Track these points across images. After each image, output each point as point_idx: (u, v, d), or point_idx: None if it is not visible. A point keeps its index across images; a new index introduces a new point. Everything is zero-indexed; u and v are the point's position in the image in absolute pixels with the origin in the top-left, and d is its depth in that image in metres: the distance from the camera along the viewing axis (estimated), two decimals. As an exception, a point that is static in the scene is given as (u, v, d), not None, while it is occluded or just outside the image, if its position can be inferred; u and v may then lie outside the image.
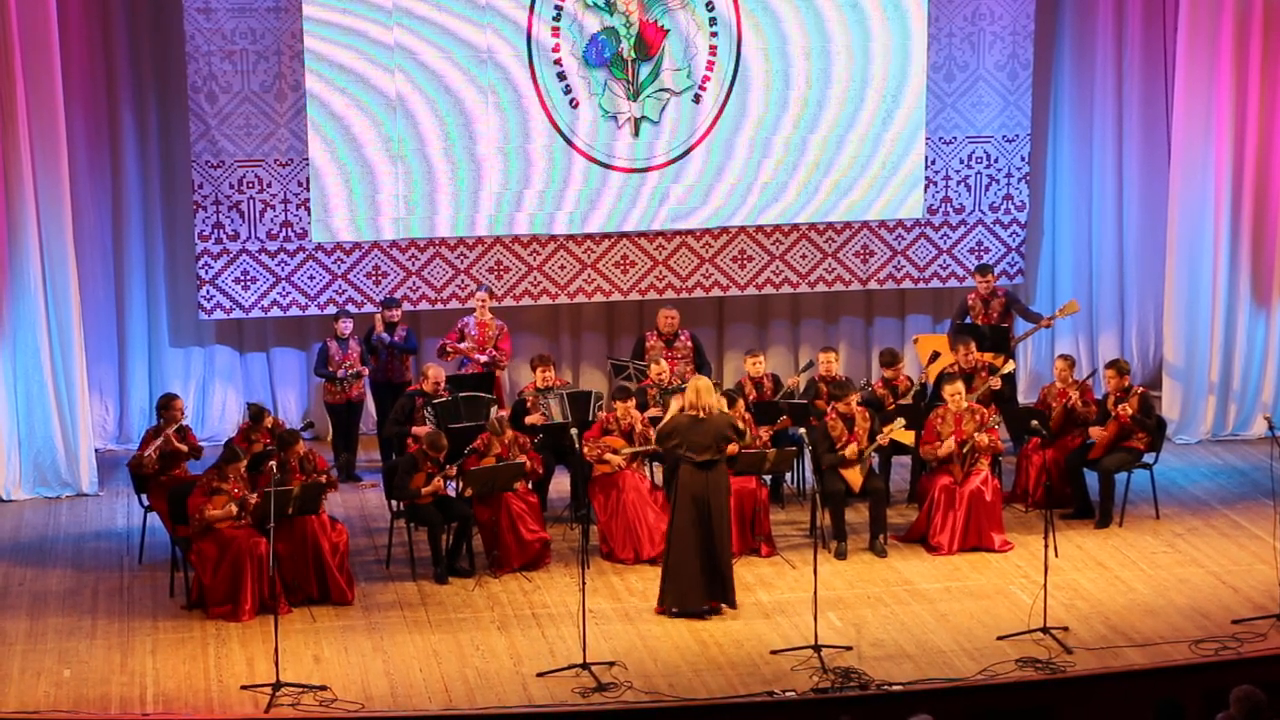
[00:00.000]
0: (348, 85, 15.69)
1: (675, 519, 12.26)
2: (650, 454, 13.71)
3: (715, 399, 12.43)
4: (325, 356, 15.24)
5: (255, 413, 13.60)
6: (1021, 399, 16.44)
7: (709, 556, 12.17)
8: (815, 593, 11.80)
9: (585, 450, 13.45)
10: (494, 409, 14.18)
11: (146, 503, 13.38)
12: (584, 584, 11.73)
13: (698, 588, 12.20)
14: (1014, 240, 17.12)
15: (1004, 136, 16.90)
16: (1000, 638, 11.82)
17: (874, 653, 11.65)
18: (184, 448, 13.33)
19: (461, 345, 15.31)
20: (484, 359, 15.21)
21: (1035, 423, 13.98)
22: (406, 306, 15.88)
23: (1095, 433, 14.09)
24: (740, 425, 12.76)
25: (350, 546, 12.84)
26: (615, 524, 13.36)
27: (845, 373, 16.03)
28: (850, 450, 13.46)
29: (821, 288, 16.99)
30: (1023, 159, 16.97)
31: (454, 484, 13.22)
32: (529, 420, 14.20)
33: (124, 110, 15.74)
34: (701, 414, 12.18)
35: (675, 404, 12.64)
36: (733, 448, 12.83)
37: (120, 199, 15.88)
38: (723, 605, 12.28)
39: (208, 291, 15.90)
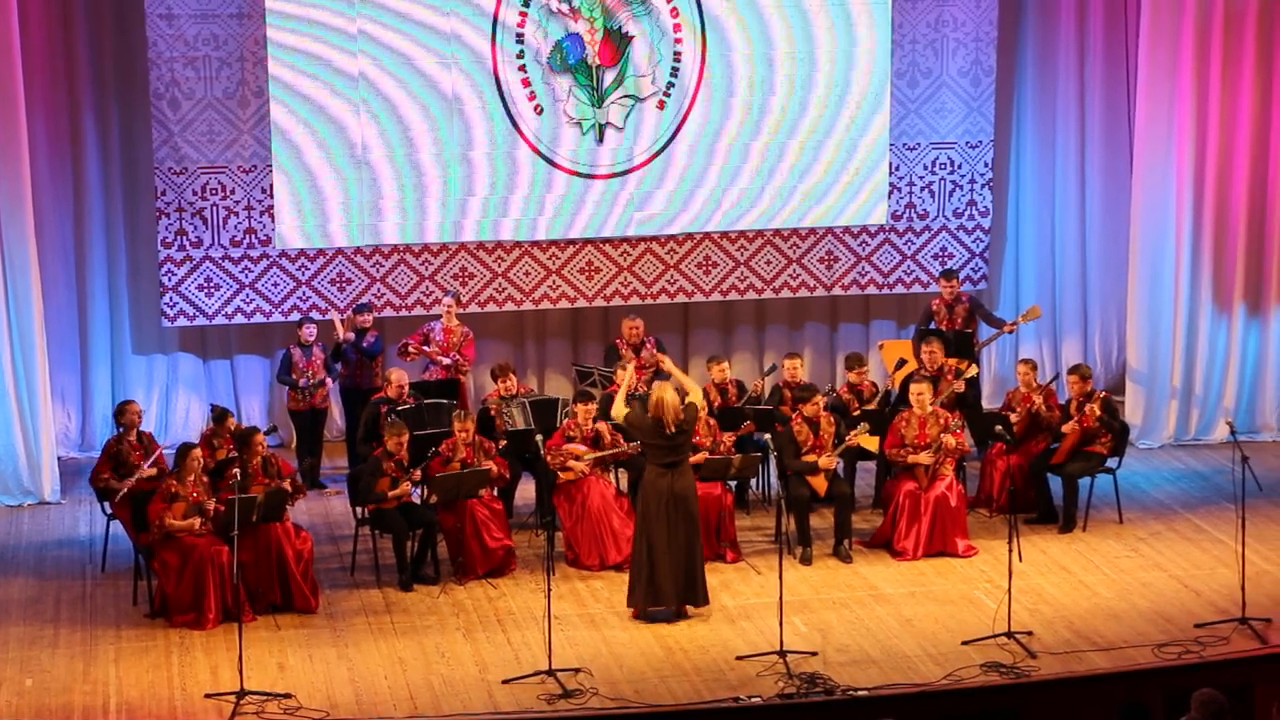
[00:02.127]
0: (311, 92, 15.65)
1: (639, 521, 12.25)
2: (613, 459, 13.70)
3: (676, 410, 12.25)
4: (289, 363, 15.18)
5: (218, 415, 13.54)
6: (986, 404, 16.47)
7: (676, 557, 12.15)
8: (780, 598, 11.80)
9: (548, 458, 13.43)
10: (456, 412, 14.16)
11: (109, 511, 13.31)
12: (549, 590, 11.71)
13: (666, 589, 12.18)
14: (978, 246, 17.17)
15: (967, 143, 16.94)
16: (965, 642, 11.83)
17: (839, 658, 11.65)
18: (153, 472, 13.13)
19: (425, 347, 15.29)
20: (447, 361, 15.19)
21: (999, 428, 14.02)
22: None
23: (1069, 428, 14.10)
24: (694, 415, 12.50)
25: (315, 554, 12.79)
26: (580, 530, 13.34)
27: (810, 378, 16.06)
28: (824, 461, 13.44)
29: (786, 294, 17.01)
30: (986, 165, 17.02)
31: (419, 490, 13.18)
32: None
33: (86, 116, 15.66)
34: (670, 428, 12.12)
35: (620, 375, 12.52)
36: (699, 456, 12.85)
37: (82, 205, 15.80)
38: (689, 608, 12.26)
39: (170, 298, 15.83)
